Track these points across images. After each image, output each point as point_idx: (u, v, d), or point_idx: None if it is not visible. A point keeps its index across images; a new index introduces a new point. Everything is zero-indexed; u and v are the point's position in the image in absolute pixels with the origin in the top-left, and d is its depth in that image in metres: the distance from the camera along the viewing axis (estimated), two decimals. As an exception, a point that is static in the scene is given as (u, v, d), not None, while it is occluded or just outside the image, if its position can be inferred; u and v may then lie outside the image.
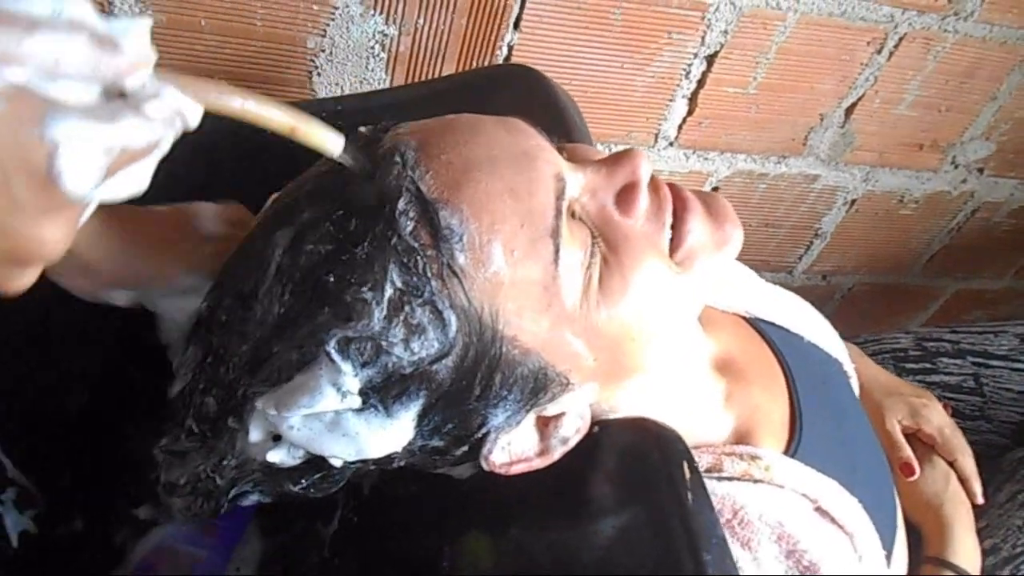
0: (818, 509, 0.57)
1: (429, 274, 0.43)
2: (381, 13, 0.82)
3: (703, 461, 0.55)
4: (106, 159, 0.31)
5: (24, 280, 0.34)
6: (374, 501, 0.58)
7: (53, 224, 0.32)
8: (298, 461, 0.48)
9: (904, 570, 0.69)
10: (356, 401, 0.44)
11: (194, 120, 0.34)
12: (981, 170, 1.29)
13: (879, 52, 1.03)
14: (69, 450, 0.63)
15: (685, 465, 0.47)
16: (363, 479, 0.59)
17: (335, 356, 0.43)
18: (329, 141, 0.40)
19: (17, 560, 0.58)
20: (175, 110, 0.33)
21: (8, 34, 0.28)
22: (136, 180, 0.34)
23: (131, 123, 0.31)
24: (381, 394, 0.44)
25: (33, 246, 0.32)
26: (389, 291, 0.43)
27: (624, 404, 0.52)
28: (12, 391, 0.60)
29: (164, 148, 0.34)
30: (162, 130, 0.33)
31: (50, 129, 0.29)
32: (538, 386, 0.47)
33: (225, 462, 0.50)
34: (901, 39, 1.03)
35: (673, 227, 0.50)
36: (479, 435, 0.48)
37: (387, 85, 0.89)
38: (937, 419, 0.78)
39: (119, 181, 0.33)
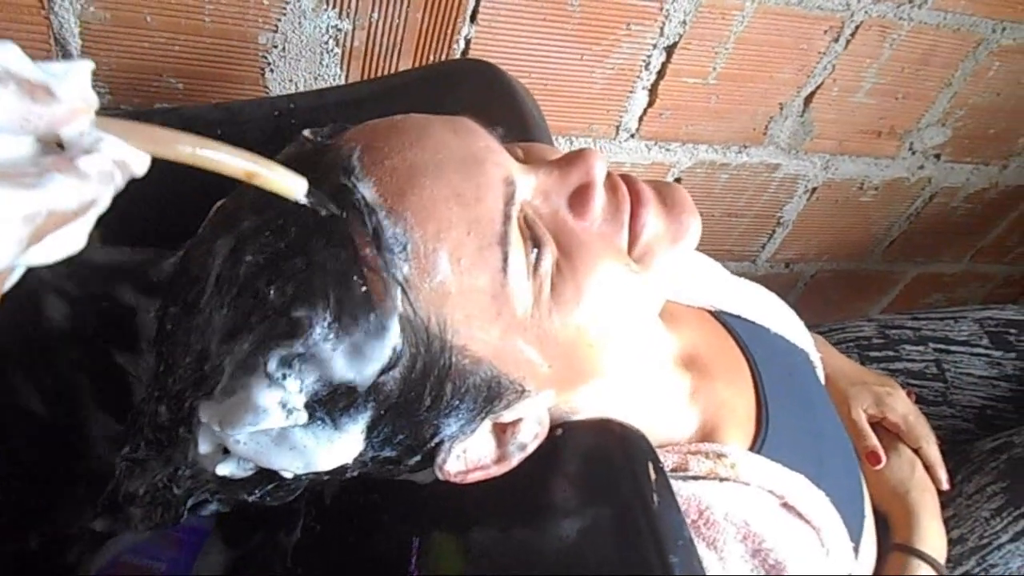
0: (785, 504, 0.57)
1: (371, 286, 0.42)
2: (334, 7, 0.80)
3: (668, 460, 0.55)
4: (28, 228, 0.28)
5: None
6: (337, 509, 0.57)
7: None
8: (249, 473, 0.47)
9: (872, 558, 0.69)
10: (302, 416, 0.43)
11: (140, 169, 0.32)
12: (938, 156, 1.30)
13: (836, 41, 1.04)
14: (24, 464, 0.61)
15: (650, 465, 0.46)
16: (324, 487, 0.58)
17: (277, 374, 0.41)
18: (292, 185, 0.37)
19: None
20: (116, 162, 0.31)
21: None
22: (69, 241, 0.31)
23: (60, 185, 0.29)
24: (327, 407, 0.43)
25: None
26: (330, 304, 0.41)
27: (586, 406, 0.51)
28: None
29: (102, 205, 0.31)
30: (98, 188, 0.30)
31: None
32: (491, 394, 0.46)
33: (180, 472, 0.49)
34: (858, 27, 1.03)
35: (629, 223, 0.49)
36: (432, 444, 0.47)
37: (342, 81, 0.87)
38: (901, 407, 0.79)
39: (48, 245, 0.30)
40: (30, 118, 0.29)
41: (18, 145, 0.29)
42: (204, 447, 0.45)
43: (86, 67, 0.31)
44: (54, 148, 0.30)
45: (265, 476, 0.47)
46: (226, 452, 0.46)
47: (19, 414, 0.60)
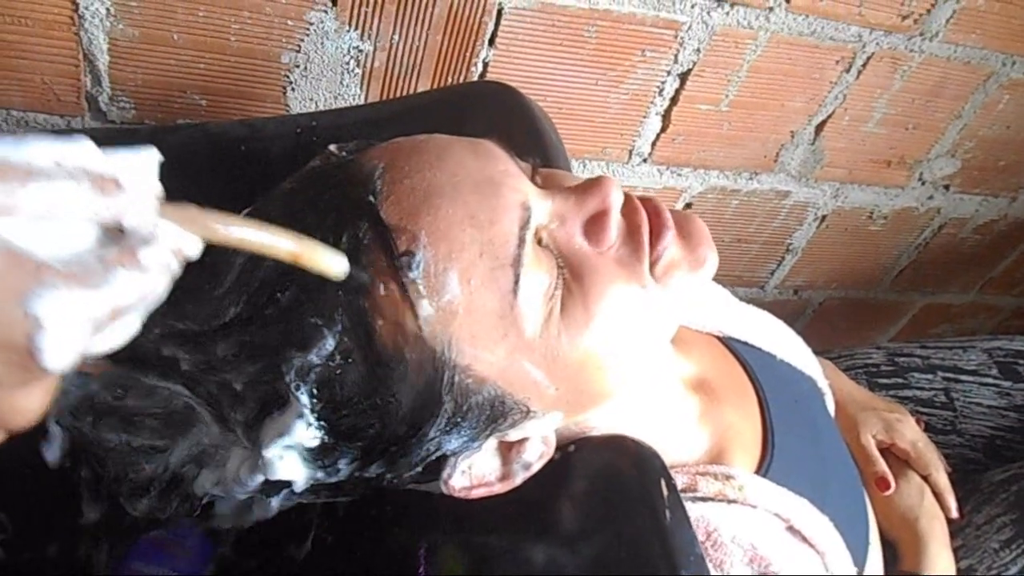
0: (790, 528, 0.57)
1: (381, 302, 0.43)
2: (356, 29, 0.81)
3: (678, 481, 0.55)
4: (92, 327, 0.29)
5: None
6: (349, 520, 0.57)
7: (29, 395, 0.31)
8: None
9: (878, 585, 0.69)
10: (314, 424, 0.44)
11: (193, 253, 0.33)
12: (947, 187, 1.31)
13: (848, 71, 1.05)
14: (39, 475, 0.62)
15: (663, 483, 0.47)
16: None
17: (294, 388, 0.43)
18: (333, 264, 0.38)
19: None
20: (174, 251, 0.32)
21: (4, 187, 0.28)
22: (125, 330, 0.32)
23: (124, 279, 0.30)
24: (331, 421, 0.44)
25: (5, 417, 0.31)
26: (341, 317, 0.43)
27: (597, 426, 0.52)
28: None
29: (160, 293, 0.32)
30: (157, 279, 0.31)
31: (35, 305, 0.28)
32: (495, 414, 0.46)
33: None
34: (869, 58, 1.04)
35: (649, 243, 0.49)
36: (434, 459, 0.47)
37: (362, 101, 0.88)
38: (911, 434, 0.79)
39: (106, 337, 0.31)
40: (100, 211, 0.30)
41: (83, 234, 0.30)
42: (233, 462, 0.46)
43: (154, 157, 0.32)
44: (115, 233, 0.31)
45: (275, 485, 0.48)
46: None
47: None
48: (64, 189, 0.29)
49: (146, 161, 0.32)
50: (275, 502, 0.51)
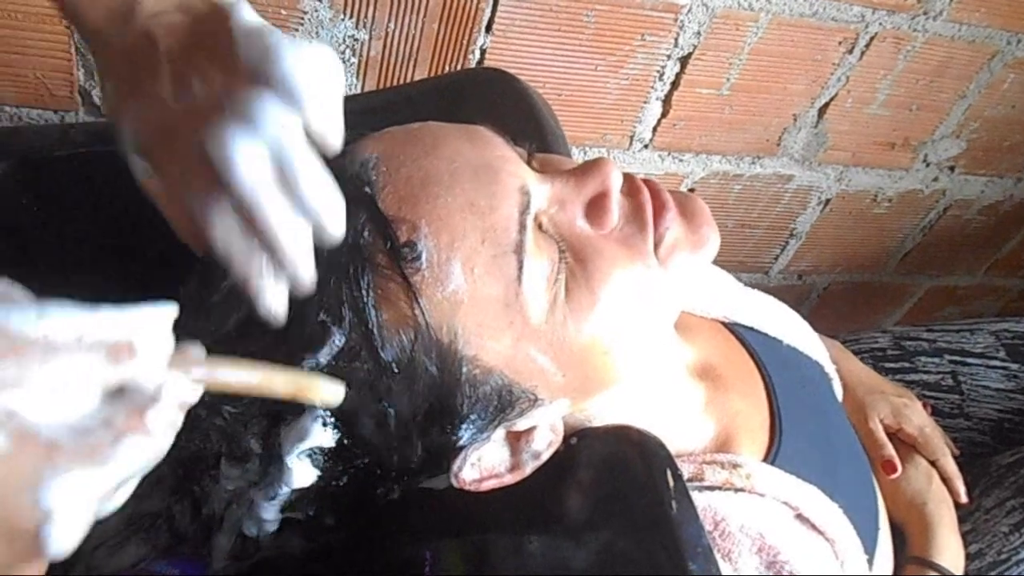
0: (799, 516, 0.57)
1: (384, 293, 0.42)
2: (351, 17, 0.80)
3: (684, 470, 0.55)
4: (99, 504, 0.29)
5: None
6: (354, 525, 0.57)
7: (28, 569, 0.30)
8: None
9: (888, 571, 0.69)
10: (330, 423, 0.44)
11: (194, 399, 0.32)
12: (952, 168, 1.30)
13: (851, 52, 1.04)
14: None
15: (669, 473, 0.46)
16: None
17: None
18: (331, 393, 0.38)
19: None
20: (180, 405, 0.31)
21: (21, 363, 0.27)
22: (126, 494, 0.31)
23: (132, 447, 0.29)
24: (346, 419, 0.44)
25: None
26: (345, 312, 0.42)
27: (601, 415, 0.51)
28: None
29: (163, 454, 0.31)
30: (163, 441, 0.31)
31: (46, 496, 0.27)
32: (503, 403, 0.46)
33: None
34: (872, 39, 1.03)
35: (652, 223, 0.49)
36: (444, 452, 0.47)
37: (358, 90, 0.88)
38: (918, 418, 0.79)
39: (108, 506, 0.31)
40: (110, 379, 0.29)
41: (87, 399, 0.29)
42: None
43: (171, 313, 0.31)
44: (119, 393, 0.30)
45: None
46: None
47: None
48: (81, 363, 0.28)
49: (163, 317, 0.31)
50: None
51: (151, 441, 0.30)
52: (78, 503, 0.28)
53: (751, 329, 0.70)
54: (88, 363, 0.28)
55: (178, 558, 0.61)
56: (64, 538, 0.28)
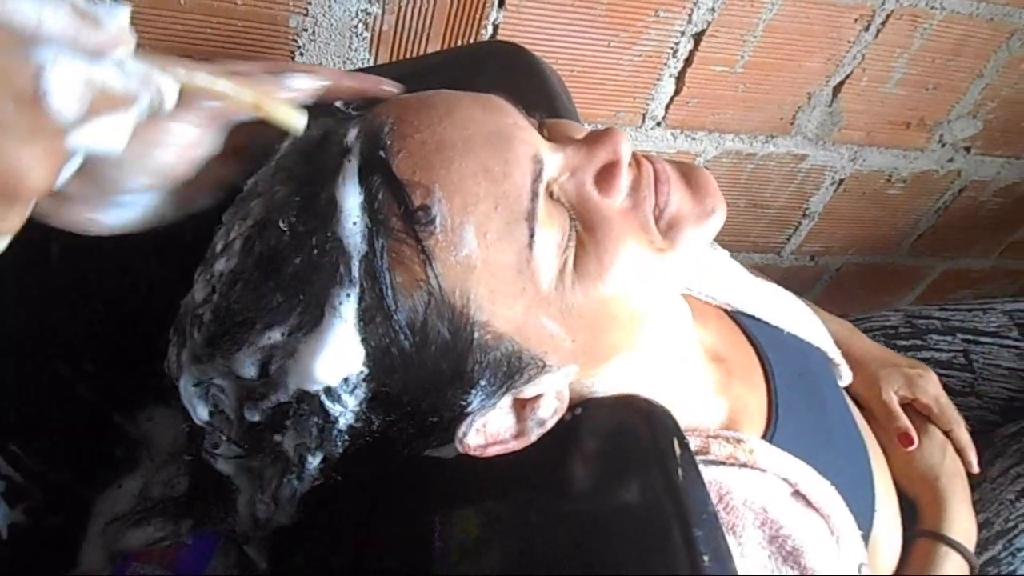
0: (795, 493, 0.58)
1: (398, 257, 0.43)
2: (364, -9, 0.80)
3: (691, 444, 0.55)
4: (87, 91, 0.33)
5: (9, 222, 0.34)
6: (364, 495, 0.57)
7: (38, 151, 0.33)
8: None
9: (897, 546, 0.69)
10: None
11: (171, 96, 0.38)
12: (968, 148, 1.29)
13: (866, 29, 1.03)
14: (65, 441, 0.62)
15: (675, 441, 0.46)
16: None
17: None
18: (293, 118, 0.44)
19: (6, 550, 0.58)
20: (151, 78, 0.36)
21: None
22: (114, 133, 0.36)
23: (110, 66, 0.34)
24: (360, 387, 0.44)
25: (18, 174, 0.33)
26: (357, 275, 0.42)
27: (610, 382, 0.51)
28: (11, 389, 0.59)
29: (141, 109, 0.36)
30: (138, 87, 0.35)
31: (35, 52, 0.31)
32: (512, 369, 0.46)
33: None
34: (888, 16, 1.02)
35: (654, 198, 0.49)
36: (452, 417, 0.47)
37: (371, 64, 0.88)
38: (933, 389, 0.79)
39: (98, 127, 0.35)
40: (79, 38, 0.33)
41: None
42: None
43: (126, 10, 0.35)
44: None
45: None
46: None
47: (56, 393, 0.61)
48: (50, 5, 0.32)
49: (121, 13, 0.35)
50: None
51: (126, 77, 0.35)
52: (67, 67, 0.32)
53: (752, 317, 0.71)
54: (56, 7, 0.32)
55: (168, 554, 0.62)
56: (59, 93, 0.32)
